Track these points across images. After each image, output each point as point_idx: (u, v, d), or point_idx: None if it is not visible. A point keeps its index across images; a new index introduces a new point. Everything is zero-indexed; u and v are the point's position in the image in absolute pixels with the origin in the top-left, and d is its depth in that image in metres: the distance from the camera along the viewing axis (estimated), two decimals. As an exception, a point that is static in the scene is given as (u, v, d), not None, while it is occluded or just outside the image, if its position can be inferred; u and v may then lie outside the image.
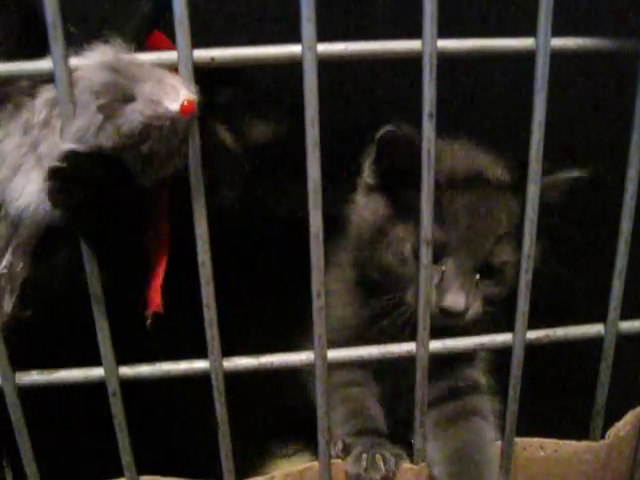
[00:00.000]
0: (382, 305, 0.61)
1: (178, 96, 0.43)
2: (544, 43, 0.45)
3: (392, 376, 0.67)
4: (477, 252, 0.58)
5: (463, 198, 0.58)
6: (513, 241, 0.58)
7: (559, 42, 0.46)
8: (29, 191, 0.46)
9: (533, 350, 0.53)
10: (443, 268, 0.58)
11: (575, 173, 0.60)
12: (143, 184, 0.45)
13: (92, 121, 0.43)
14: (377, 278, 0.62)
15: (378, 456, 0.56)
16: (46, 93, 0.47)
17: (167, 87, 0.43)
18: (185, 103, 0.43)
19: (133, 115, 0.43)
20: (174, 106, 0.43)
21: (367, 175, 0.64)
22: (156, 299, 0.50)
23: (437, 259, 0.57)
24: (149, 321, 0.50)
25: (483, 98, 0.86)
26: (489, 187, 0.60)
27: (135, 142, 0.43)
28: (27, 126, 0.47)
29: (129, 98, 0.43)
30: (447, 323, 0.57)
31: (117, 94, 0.43)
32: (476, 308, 0.59)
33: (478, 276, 0.59)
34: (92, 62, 0.43)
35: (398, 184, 0.60)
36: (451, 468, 0.56)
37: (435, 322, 0.51)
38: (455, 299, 0.57)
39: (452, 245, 0.58)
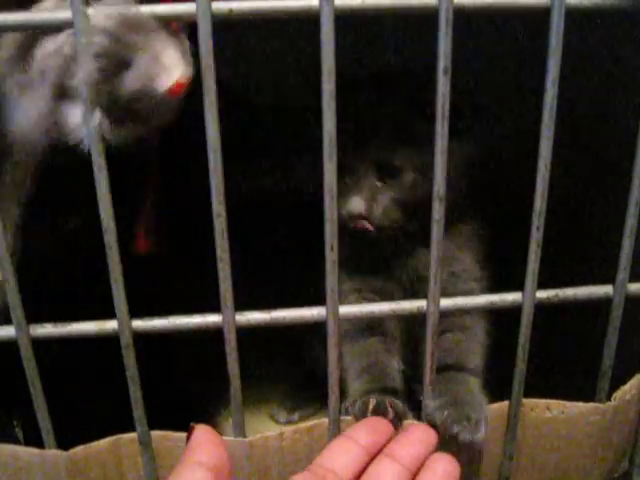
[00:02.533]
0: None
1: (170, 77, 0.44)
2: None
3: (406, 330, 0.68)
4: (372, 155, 0.63)
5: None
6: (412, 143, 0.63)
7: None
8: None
9: (542, 311, 0.54)
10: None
11: None
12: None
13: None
14: None
15: (387, 402, 0.56)
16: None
17: (162, 65, 0.45)
18: (174, 85, 0.44)
19: (126, 82, 0.44)
20: (163, 86, 0.44)
21: None
22: (141, 240, 0.50)
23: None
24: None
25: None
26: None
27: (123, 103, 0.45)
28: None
29: (125, 66, 0.44)
30: (363, 226, 0.63)
31: (114, 60, 0.44)
32: (382, 209, 0.64)
33: (379, 184, 0.64)
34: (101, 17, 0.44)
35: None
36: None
37: (351, 228, 0.61)
38: (354, 202, 0.63)
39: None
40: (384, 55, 0.95)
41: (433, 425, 0.55)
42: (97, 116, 0.45)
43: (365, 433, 0.53)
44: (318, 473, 0.50)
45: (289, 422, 0.87)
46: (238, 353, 0.51)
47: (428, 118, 0.50)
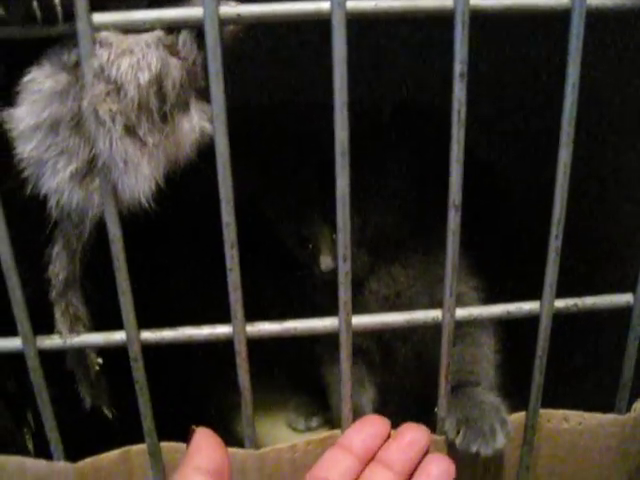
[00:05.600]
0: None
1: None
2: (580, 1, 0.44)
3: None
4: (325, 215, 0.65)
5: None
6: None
7: (596, 0, 0.45)
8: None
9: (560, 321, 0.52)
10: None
11: None
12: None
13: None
14: None
15: None
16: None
17: None
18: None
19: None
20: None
21: None
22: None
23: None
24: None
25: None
26: None
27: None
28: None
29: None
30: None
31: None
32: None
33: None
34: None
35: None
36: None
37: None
38: (324, 262, 0.66)
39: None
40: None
41: (450, 443, 0.55)
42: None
43: (359, 440, 0.52)
44: None
45: (308, 429, 0.86)
46: (249, 364, 0.50)
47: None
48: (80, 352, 0.54)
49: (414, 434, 0.52)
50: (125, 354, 0.51)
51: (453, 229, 0.47)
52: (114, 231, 0.47)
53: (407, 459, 0.51)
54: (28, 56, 0.45)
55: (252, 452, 0.54)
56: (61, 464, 0.54)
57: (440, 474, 0.50)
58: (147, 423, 0.53)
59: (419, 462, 0.51)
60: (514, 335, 0.60)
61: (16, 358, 0.51)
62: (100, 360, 0.55)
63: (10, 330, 0.51)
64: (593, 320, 0.55)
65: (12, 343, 0.50)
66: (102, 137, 0.43)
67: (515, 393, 0.55)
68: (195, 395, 0.63)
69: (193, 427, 0.49)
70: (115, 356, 0.54)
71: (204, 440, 0.48)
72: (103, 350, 0.55)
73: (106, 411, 0.58)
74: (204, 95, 0.45)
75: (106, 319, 0.53)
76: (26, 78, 0.44)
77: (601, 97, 0.71)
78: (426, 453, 0.52)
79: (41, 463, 0.54)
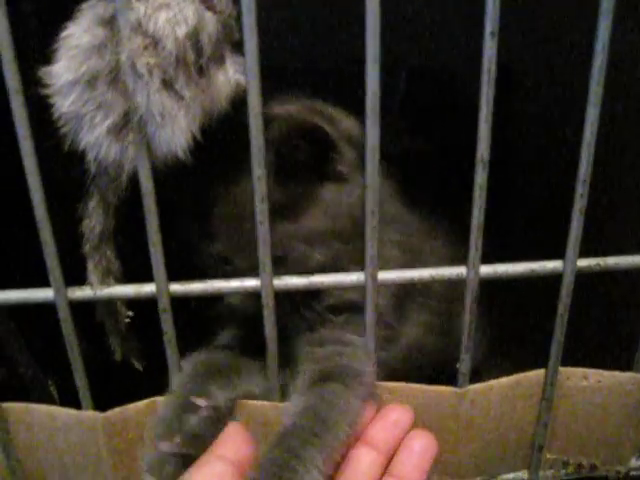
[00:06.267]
0: None
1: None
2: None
3: None
4: None
5: None
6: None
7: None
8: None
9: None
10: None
11: None
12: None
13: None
14: None
15: None
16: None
17: None
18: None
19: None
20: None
21: None
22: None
23: None
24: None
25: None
26: None
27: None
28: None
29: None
30: None
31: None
32: None
33: None
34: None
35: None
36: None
37: None
38: None
39: None
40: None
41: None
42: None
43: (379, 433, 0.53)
44: None
45: None
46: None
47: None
48: (110, 304, 0.55)
49: (399, 414, 0.53)
50: (153, 308, 0.52)
51: (480, 184, 0.48)
52: (147, 184, 0.47)
53: (391, 438, 0.52)
54: (60, 11, 0.45)
55: (276, 405, 0.55)
56: (90, 413, 0.55)
57: (422, 449, 0.51)
58: (174, 374, 0.54)
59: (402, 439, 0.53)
60: (538, 295, 0.61)
61: (45, 309, 0.52)
62: (130, 313, 0.56)
63: (40, 282, 0.52)
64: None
65: (44, 294, 0.51)
66: (140, 90, 0.44)
67: (536, 352, 0.56)
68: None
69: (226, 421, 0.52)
70: (144, 310, 0.56)
71: (233, 433, 0.50)
72: (133, 303, 0.56)
73: (136, 363, 0.59)
74: (239, 49, 0.46)
75: (135, 273, 0.54)
76: (64, 33, 0.44)
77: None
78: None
79: (70, 411, 0.56)
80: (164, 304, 0.51)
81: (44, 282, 0.51)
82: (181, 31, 0.43)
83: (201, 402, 0.53)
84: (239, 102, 0.47)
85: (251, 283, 0.51)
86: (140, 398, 0.56)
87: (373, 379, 0.55)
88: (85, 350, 0.55)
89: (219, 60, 0.46)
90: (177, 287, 0.51)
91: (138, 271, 0.54)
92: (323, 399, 0.52)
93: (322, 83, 0.67)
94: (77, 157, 0.47)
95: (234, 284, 0.51)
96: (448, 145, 0.71)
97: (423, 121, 0.76)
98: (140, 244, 0.54)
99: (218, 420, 0.53)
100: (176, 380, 0.55)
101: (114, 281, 0.53)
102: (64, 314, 0.52)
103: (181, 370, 0.55)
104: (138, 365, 0.59)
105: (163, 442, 0.51)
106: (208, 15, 0.44)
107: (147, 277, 0.52)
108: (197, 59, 0.45)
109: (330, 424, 0.50)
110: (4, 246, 0.69)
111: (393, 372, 0.57)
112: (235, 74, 0.46)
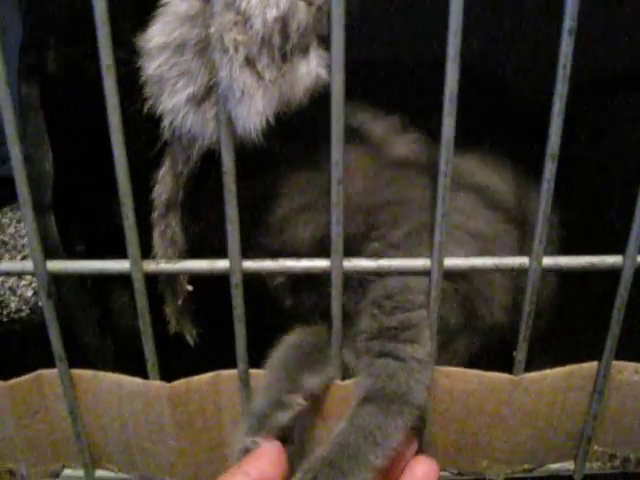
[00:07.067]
0: None
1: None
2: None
3: None
4: None
5: None
6: None
7: None
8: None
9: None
10: None
11: None
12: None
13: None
14: None
15: None
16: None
17: None
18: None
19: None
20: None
21: None
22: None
23: None
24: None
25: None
26: None
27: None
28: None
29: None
30: None
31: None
32: None
33: None
34: None
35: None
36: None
37: None
38: None
39: None
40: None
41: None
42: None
43: None
44: None
45: None
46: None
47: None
48: (172, 277, 0.58)
49: (426, 468, 0.54)
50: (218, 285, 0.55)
51: (548, 178, 0.50)
52: (227, 161, 0.49)
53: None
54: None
55: (337, 383, 0.57)
56: (156, 383, 0.57)
57: (424, 475, 0.53)
58: (241, 350, 0.56)
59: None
60: (593, 290, 0.62)
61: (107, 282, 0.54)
62: (190, 287, 0.59)
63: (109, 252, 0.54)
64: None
65: (121, 265, 0.53)
66: (224, 64, 0.46)
67: (589, 345, 0.57)
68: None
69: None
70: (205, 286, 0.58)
71: (266, 453, 0.51)
72: (194, 278, 0.58)
73: (189, 337, 0.61)
74: (325, 43, 0.48)
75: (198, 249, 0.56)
76: (165, 0, 0.47)
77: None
78: None
79: (137, 380, 0.58)
80: (236, 280, 0.53)
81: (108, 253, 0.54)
82: (271, 14, 0.45)
83: (295, 399, 0.55)
84: (318, 99, 0.49)
85: (321, 263, 0.53)
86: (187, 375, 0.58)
87: (424, 400, 0.55)
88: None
89: (304, 50, 0.48)
90: (250, 264, 0.53)
91: (199, 248, 0.56)
92: (359, 427, 0.53)
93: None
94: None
95: (304, 264, 0.53)
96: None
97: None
98: (206, 220, 0.56)
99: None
100: (269, 374, 0.58)
101: (177, 253, 0.55)
102: (139, 286, 0.54)
103: (272, 357, 0.58)
104: (190, 339, 0.61)
105: (254, 436, 0.53)
106: (301, 4, 0.46)
107: (205, 254, 0.54)
108: (282, 44, 0.47)
109: (360, 459, 0.51)
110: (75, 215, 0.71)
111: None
112: (317, 67, 0.48)
